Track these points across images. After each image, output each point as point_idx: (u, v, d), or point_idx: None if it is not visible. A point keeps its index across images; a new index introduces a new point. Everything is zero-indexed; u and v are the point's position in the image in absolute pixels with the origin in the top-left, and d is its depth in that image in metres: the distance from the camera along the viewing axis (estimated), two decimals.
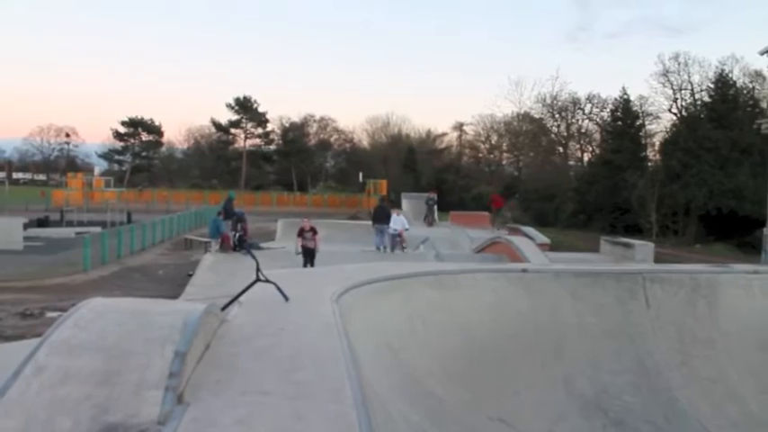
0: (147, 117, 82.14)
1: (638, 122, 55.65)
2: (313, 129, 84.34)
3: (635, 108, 55.54)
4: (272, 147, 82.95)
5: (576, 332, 7.60)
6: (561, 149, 67.94)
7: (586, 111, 64.84)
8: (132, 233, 26.08)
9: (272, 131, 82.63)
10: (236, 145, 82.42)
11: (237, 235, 21.50)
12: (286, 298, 5.63)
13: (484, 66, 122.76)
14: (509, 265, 12.84)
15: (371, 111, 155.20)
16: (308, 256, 16.68)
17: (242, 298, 5.55)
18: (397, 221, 21.53)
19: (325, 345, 4.32)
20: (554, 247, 26.48)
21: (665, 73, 53.15)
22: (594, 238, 29.28)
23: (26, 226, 28.31)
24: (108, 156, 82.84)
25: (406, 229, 22.10)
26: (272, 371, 3.74)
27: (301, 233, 16.74)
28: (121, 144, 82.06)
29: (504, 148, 74.63)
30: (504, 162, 75.70)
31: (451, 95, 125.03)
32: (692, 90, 52.44)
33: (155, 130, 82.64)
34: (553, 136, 68.23)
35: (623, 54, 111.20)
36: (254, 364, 3.85)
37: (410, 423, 5.08)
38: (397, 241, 21.34)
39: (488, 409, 6.22)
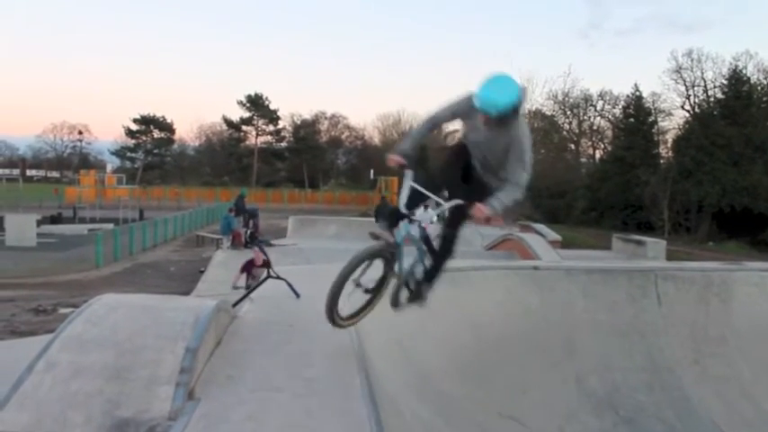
0: (159, 114, 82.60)
1: (651, 119, 55.31)
2: (324, 126, 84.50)
3: (647, 105, 55.23)
4: (284, 144, 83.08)
5: (587, 330, 7.55)
6: (573, 146, 67.61)
7: (598, 108, 64.60)
8: (144, 230, 26.24)
9: (284, 129, 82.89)
10: (247, 142, 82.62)
11: (249, 231, 21.60)
12: (297, 295, 5.64)
13: (495, 62, 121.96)
14: (520, 263, 12.79)
15: (383, 108, 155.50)
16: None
17: (253, 294, 5.57)
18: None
19: (336, 341, 4.32)
20: (565, 244, 26.39)
21: (678, 69, 52.86)
22: (606, 235, 29.17)
23: (39, 223, 28.56)
24: (120, 153, 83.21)
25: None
26: (283, 367, 3.75)
27: (249, 268, 11.37)
28: (134, 141, 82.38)
29: None
30: None
31: (463, 92, 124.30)
32: (705, 87, 52.05)
33: (167, 127, 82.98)
34: (565, 133, 67.90)
35: (635, 51, 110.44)
36: (264, 361, 3.86)
37: (420, 419, 5.08)
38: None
39: (499, 407, 6.20)
